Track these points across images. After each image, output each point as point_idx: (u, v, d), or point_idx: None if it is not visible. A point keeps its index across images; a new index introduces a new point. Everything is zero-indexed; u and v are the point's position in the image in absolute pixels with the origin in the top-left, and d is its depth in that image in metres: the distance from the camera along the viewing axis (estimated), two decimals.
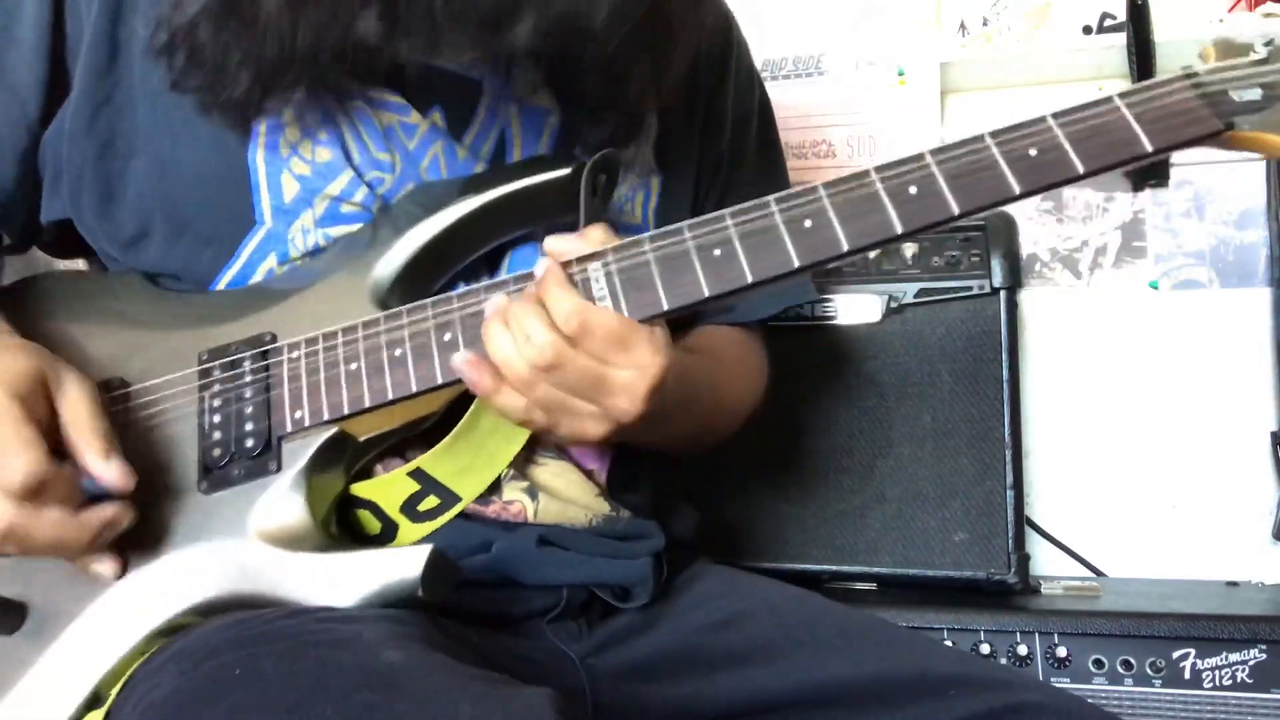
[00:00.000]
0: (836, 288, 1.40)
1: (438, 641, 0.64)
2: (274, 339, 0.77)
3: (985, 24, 1.68)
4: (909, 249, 1.39)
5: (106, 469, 0.68)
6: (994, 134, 0.68)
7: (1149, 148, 0.67)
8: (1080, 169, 0.67)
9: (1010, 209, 1.44)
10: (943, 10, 1.69)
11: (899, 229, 0.68)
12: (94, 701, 0.69)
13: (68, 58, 0.82)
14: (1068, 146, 0.67)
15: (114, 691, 0.68)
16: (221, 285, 0.82)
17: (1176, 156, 1.56)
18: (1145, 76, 1.43)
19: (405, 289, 0.78)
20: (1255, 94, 0.67)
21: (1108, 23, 1.63)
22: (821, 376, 1.39)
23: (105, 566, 0.70)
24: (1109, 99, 0.68)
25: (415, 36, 0.70)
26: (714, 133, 1.00)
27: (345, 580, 0.69)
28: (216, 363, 0.77)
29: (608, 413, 0.70)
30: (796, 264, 0.68)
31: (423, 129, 0.82)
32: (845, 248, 0.68)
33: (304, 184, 0.80)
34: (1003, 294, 1.35)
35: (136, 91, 0.81)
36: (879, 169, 0.69)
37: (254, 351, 0.76)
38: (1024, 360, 1.51)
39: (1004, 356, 1.33)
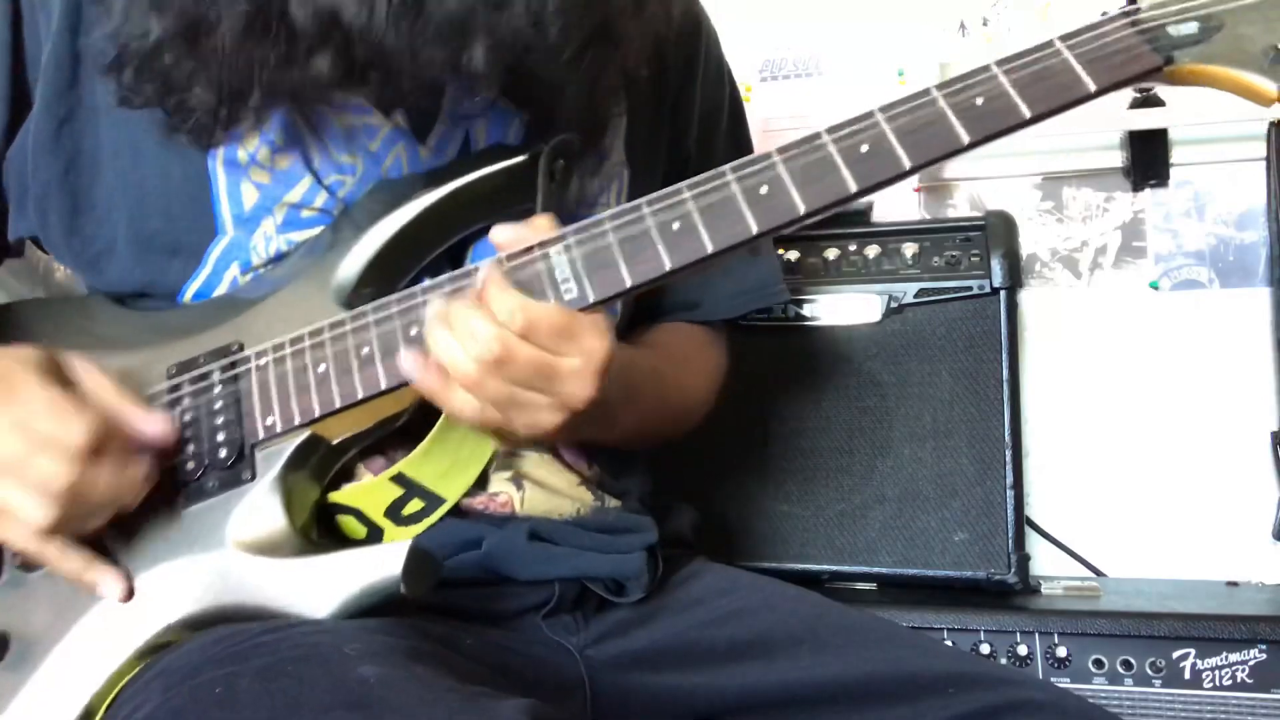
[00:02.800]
0: (836, 287, 1.40)
1: (421, 651, 0.64)
2: (240, 348, 0.76)
3: (985, 24, 1.68)
4: (909, 249, 1.39)
5: (152, 422, 0.71)
6: (940, 86, 0.69)
7: (1092, 88, 0.67)
8: (1026, 114, 0.67)
9: (1011, 209, 1.45)
10: (942, 10, 1.69)
11: (853, 188, 0.68)
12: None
13: (28, 74, 0.81)
14: (1013, 93, 0.67)
15: (102, 709, 0.69)
16: (188, 297, 0.81)
17: (1177, 155, 1.58)
18: None
19: (370, 288, 0.77)
20: (1192, 27, 0.67)
21: None
22: (821, 376, 1.39)
23: (111, 588, 0.70)
24: (1050, 43, 0.68)
25: (371, 72, 0.71)
26: (682, 127, 1.00)
27: (326, 583, 0.68)
28: (185, 376, 0.76)
29: (560, 401, 0.69)
30: (755, 230, 0.68)
31: (385, 130, 0.81)
32: (802, 211, 0.68)
33: (264, 192, 0.80)
34: (1003, 294, 1.35)
35: (99, 107, 0.80)
36: (830, 130, 0.69)
37: (222, 362, 0.76)
38: (1024, 360, 1.51)
39: (1004, 356, 1.33)
